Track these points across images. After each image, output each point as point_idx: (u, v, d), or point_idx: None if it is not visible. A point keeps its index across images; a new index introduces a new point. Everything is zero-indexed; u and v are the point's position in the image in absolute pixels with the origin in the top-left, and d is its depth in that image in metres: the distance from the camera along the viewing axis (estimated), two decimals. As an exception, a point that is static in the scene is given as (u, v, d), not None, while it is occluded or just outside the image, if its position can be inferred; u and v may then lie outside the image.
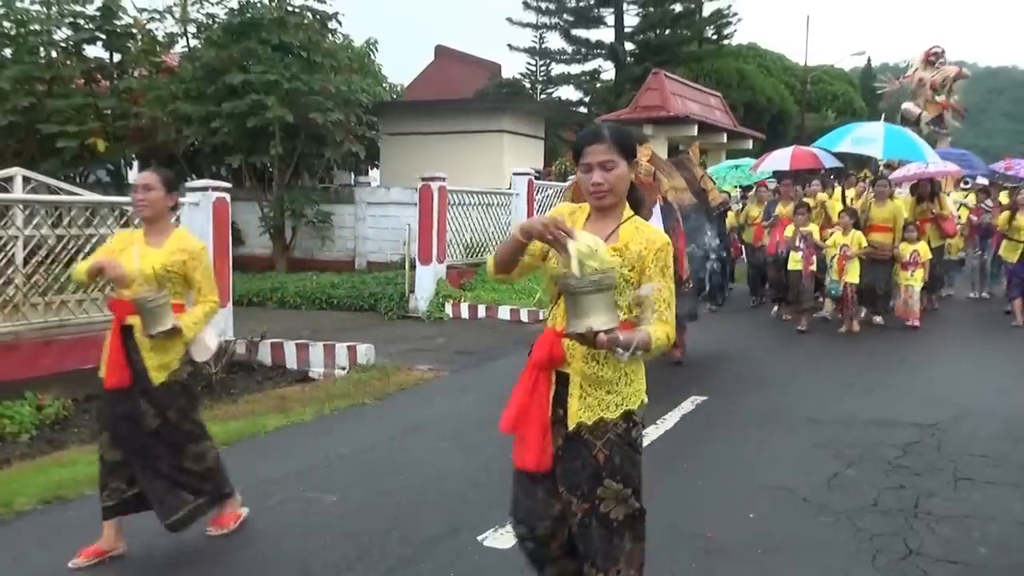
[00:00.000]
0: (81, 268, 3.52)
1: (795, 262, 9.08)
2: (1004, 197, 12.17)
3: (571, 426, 2.30)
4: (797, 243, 9.01)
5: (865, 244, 8.86)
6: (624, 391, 2.32)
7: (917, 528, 3.71)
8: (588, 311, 2.06)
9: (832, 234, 9.13)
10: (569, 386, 2.31)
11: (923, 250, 9.24)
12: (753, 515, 3.87)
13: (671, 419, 5.55)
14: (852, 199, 10.54)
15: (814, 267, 8.92)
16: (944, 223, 10.26)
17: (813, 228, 9.13)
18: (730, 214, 10.75)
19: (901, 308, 9.26)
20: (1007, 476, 4.43)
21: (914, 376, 7.04)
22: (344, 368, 7.33)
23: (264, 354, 7.70)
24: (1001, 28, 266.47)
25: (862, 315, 9.26)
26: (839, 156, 12.37)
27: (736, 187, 13.59)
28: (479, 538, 3.59)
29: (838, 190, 11.09)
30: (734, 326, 9.57)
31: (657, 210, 5.62)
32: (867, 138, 10.32)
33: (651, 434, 5.18)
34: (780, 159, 12.24)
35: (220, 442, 5.03)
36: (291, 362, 7.64)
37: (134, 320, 3.43)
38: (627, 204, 2.42)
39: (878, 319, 9.32)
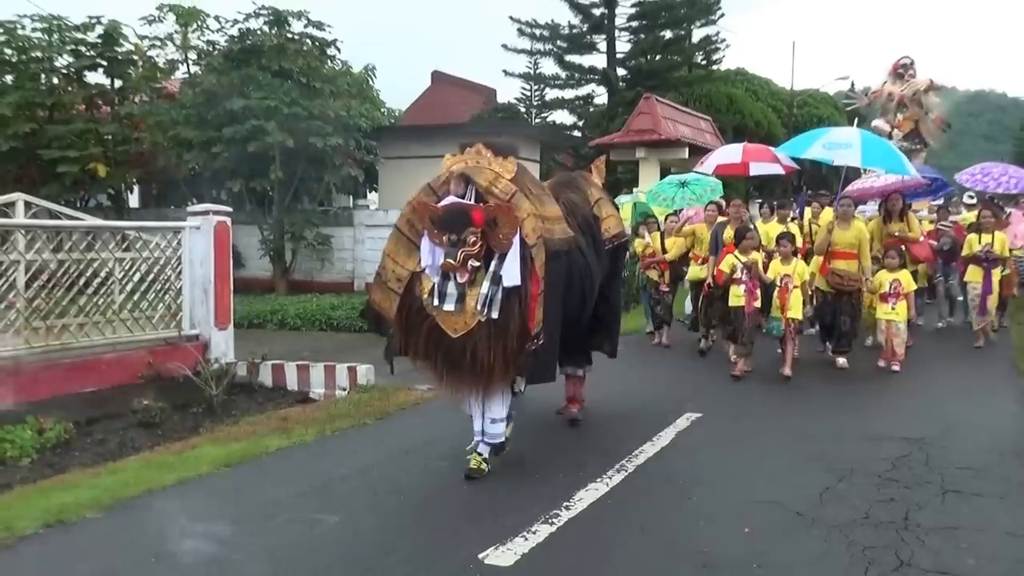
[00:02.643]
0: None
1: (736, 297, 7.68)
2: (971, 216, 10.83)
3: None
4: (739, 274, 7.66)
5: (808, 276, 7.72)
6: None
7: (908, 540, 3.79)
8: None
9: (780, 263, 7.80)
10: None
11: (905, 279, 8.00)
12: (748, 529, 3.95)
13: (666, 436, 5.63)
14: (810, 220, 9.39)
15: (758, 302, 7.56)
16: (914, 247, 9.01)
17: (756, 257, 7.69)
18: (636, 242, 9.76)
19: (887, 350, 7.94)
20: (994, 488, 4.51)
21: (902, 393, 7.13)
22: (345, 389, 7.39)
23: (265, 375, 7.77)
24: (979, 53, 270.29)
25: (837, 358, 8.05)
26: (797, 162, 10.92)
27: (673, 212, 10.56)
28: (480, 556, 3.65)
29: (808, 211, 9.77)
30: (721, 345, 9.64)
31: (516, 245, 4.40)
32: (841, 143, 8.44)
33: (647, 451, 5.26)
34: (730, 153, 11.02)
35: (222, 463, 5.13)
36: (292, 383, 7.70)
37: None
38: None
39: (842, 361, 7.98)
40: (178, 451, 5.57)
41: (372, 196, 18.78)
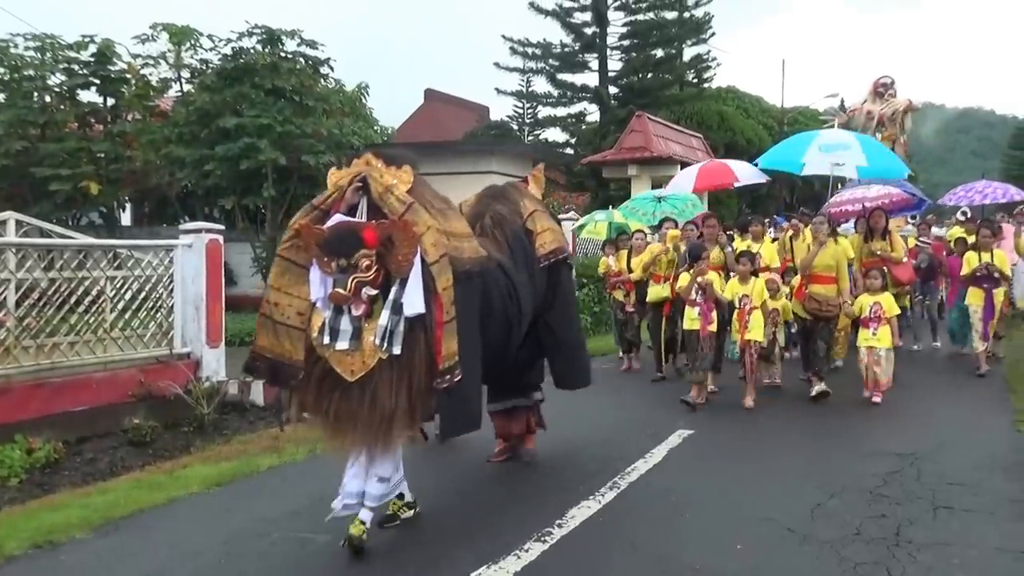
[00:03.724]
0: None
1: (691, 320, 7.22)
2: (958, 231, 10.23)
3: None
4: (694, 295, 7.19)
5: (767, 296, 7.31)
6: None
7: (899, 556, 3.80)
8: None
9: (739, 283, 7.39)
10: None
11: (887, 302, 7.31)
12: (740, 546, 3.95)
13: (659, 453, 5.63)
14: (784, 241, 8.81)
15: (713, 326, 7.12)
16: (897, 269, 8.45)
17: (713, 277, 7.26)
18: (601, 262, 9.60)
19: (868, 379, 7.26)
20: (984, 504, 4.53)
21: (892, 409, 7.13)
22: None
23: (256, 394, 7.73)
24: (968, 70, 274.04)
25: (813, 384, 7.45)
26: (788, 177, 10.94)
27: (650, 226, 10.31)
28: (473, 575, 3.65)
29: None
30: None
31: (417, 266, 3.78)
32: (837, 144, 7.75)
33: (639, 467, 5.27)
34: (684, 179, 10.26)
35: (213, 483, 5.11)
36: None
37: None
38: None
39: (819, 387, 7.31)
40: (169, 470, 5.54)
41: (365, 213, 18.83)
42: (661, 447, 5.77)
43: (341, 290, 3.65)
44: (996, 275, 8.46)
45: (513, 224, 5.01)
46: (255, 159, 12.60)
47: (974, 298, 8.55)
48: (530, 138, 32.04)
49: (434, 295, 3.79)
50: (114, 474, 5.64)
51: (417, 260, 3.77)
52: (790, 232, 8.89)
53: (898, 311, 7.40)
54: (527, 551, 3.91)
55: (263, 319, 3.83)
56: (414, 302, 3.74)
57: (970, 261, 8.58)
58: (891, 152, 8.72)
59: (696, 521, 4.35)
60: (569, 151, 28.15)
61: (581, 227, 12.77)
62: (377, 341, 3.69)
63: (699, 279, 7.14)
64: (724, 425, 6.54)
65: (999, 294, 8.54)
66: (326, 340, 3.73)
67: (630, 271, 8.96)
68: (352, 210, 3.88)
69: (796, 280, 7.84)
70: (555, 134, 32.28)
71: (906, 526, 4.18)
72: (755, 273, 7.46)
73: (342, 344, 3.70)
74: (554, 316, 5.26)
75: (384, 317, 3.70)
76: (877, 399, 7.11)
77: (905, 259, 8.66)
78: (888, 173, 8.69)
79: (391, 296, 3.74)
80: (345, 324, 3.71)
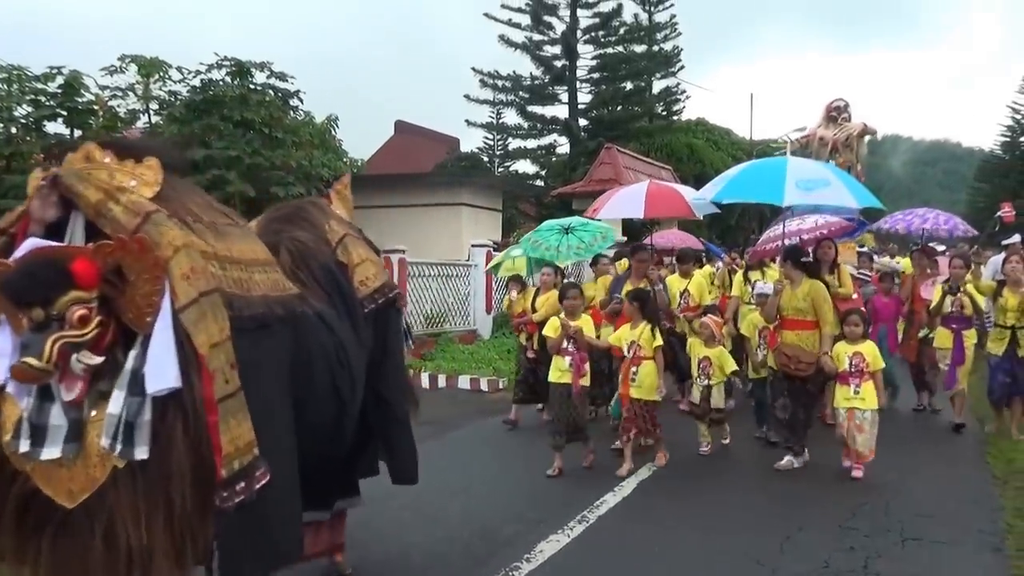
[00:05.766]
0: None
1: (559, 371, 5.88)
2: (907, 264, 9.28)
3: None
4: (564, 343, 5.87)
5: (660, 341, 6.01)
6: None
7: (867, 588, 3.81)
8: None
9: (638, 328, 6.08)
10: None
11: (870, 353, 5.88)
12: (709, 580, 3.94)
13: (628, 486, 5.62)
14: (729, 271, 7.98)
15: (586, 379, 5.89)
16: (845, 307, 6.70)
17: (585, 322, 5.98)
18: (506, 299, 8.48)
19: (849, 447, 5.88)
20: (952, 535, 4.57)
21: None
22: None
23: None
24: (934, 104, 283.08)
25: (784, 455, 6.09)
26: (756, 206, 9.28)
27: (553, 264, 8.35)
28: (440, 611, 3.60)
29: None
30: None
31: (166, 311, 2.43)
32: (817, 180, 6.19)
33: (609, 500, 5.25)
34: (630, 202, 8.34)
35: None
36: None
37: None
38: None
39: (787, 459, 6.01)
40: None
41: (335, 245, 18.77)
42: (630, 480, 5.75)
43: (33, 361, 2.25)
44: (966, 316, 7.29)
45: (320, 255, 3.46)
46: (224, 191, 12.52)
47: (942, 340, 7.41)
48: (500, 170, 32.26)
49: (197, 360, 2.43)
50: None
51: (166, 303, 2.41)
52: (729, 266, 8.34)
53: (883, 364, 6.01)
54: (496, 588, 3.86)
55: None
56: (162, 372, 2.38)
57: (938, 297, 7.38)
58: (858, 183, 7.36)
59: (665, 554, 4.33)
60: (539, 183, 28.37)
61: (496, 266, 10.40)
62: (106, 441, 2.35)
63: (570, 324, 5.83)
64: (693, 458, 6.52)
65: (970, 336, 7.37)
66: (24, 446, 2.36)
67: (534, 311, 7.62)
68: (53, 231, 2.52)
69: (749, 320, 6.92)
70: (525, 166, 32.57)
71: (874, 558, 4.20)
72: (652, 318, 6.13)
73: (51, 451, 2.35)
74: (385, 381, 3.70)
75: (116, 401, 2.36)
76: (858, 473, 5.75)
77: (855, 295, 7.36)
78: (869, 203, 7.31)
79: (127, 365, 2.39)
80: (56, 417, 2.37)
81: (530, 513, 4.99)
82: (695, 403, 6.51)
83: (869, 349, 5.94)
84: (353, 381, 3.29)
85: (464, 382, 10.29)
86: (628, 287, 6.79)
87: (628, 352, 6.01)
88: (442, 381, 10.40)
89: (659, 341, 6.01)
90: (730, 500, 5.35)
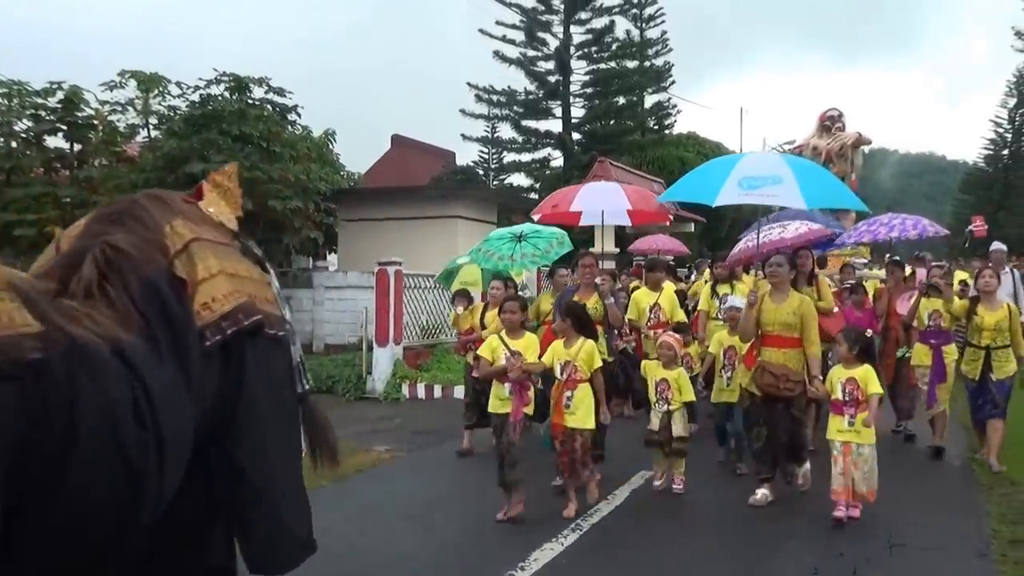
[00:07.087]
0: None
1: (499, 401, 5.20)
2: (879, 273, 8.97)
3: None
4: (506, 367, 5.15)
5: (599, 363, 5.28)
6: None
7: (852, 592, 3.92)
8: None
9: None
10: None
11: (864, 378, 5.08)
12: (699, 584, 4.05)
13: (621, 494, 5.73)
14: (704, 282, 7.35)
15: (530, 408, 5.18)
16: (826, 321, 6.23)
17: (528, 343, 5.24)
18: (451, 314, 8.01)
19: (844, 488, 5.04)
20: (939, 540, 4.70)
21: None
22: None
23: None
24: (920, 119, 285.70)
25: (757, 488, 5.50)
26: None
27: (505, 275, 7.68)
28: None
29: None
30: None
31: None
32: (764, 178, 5.57)
33: (602, 509, 5.36)
34: (609, 202, 7.45)
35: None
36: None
37: None
38: None
39: (762, 492, 5.44)
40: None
41: (332, 258, 18.87)
42: (623, 488, 5.86)
43: None
44: (945, 331, 6.90)
45: (145, 267, 2.46)
46: (222, 204, 12.65)
47: (921, 356, 6.98)
48: (495, 183, 32.47)
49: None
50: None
51: None
52: (707, 275, 7.60)
53: (879, 390, 5.18)
54: (492, 593, 3.96)
55: None
56: None
57: (921, 311, 6.97)
58: (833, 179, 6.78)
59: (657, 561, 4.45)
60: (533, 196, 28.55)
61: (446, 276, 9.49)
62: None
63: (510, 344, 5.18)
64: (686, 466, 6.62)
65: (950, 352, 6.92)
66: None
67: (483, 327, 7.15)
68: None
69: (717, 338, 6.41)
70: (520, 179, 32.81)
71: (863, 564, 4.30)
72: (591, 334, 5.42)
73: None
74: (239, 442, 2.63)
75: None
76: (855, 513, 5.08)
77: (835, 309, 6.86)
78: (837, 204, 6.83)
79: None
80: None
81: (525, 522, 5.08)
82: (654, 431, 5.69)
83: (863, 374, 5.11)
84: (161, 441, 2.18)
85: (460, 392, 10.37)
86: (576, 299, 5.86)
87: (561, 374, 5.21)
88: (438, 391, 10.53)
89: (598, 363, 5.23)
90: (720, 507, 5.47)
